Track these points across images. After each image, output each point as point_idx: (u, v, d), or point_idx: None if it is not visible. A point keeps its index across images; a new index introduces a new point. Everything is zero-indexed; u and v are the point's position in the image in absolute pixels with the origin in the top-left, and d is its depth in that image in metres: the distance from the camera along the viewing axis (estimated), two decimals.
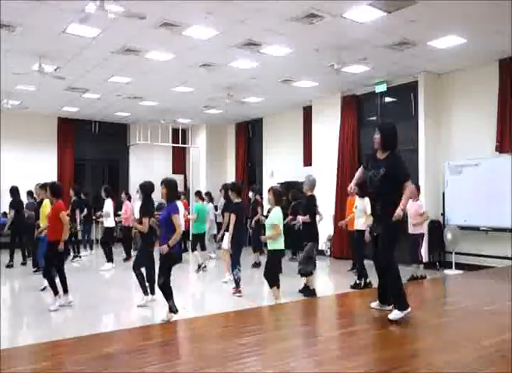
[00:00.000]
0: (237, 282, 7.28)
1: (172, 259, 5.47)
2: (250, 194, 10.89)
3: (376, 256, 4.56)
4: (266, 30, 7.64)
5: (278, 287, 6.07)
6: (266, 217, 7.54)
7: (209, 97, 12.30)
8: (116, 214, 10.74)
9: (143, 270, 6.73)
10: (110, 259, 10.04)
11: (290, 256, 11.00)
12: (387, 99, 11.39)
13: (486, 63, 9.29)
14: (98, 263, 10.41)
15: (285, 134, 14.20)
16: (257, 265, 10.02)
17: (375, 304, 4.76)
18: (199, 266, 9.58)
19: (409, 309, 4.30)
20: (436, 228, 9.94)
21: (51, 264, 6.57)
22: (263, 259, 10.14)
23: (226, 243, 8.07)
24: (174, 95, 12.00)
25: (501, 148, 9.09)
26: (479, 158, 9.36)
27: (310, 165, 12.78)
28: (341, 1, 6.62)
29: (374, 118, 11.57)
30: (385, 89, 10.80)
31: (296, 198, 9.52)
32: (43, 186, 8.27)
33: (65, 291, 6.63)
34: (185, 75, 10.30)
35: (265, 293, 7.44)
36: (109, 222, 10.25)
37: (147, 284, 6.71)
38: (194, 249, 9.80)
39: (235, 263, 7.31)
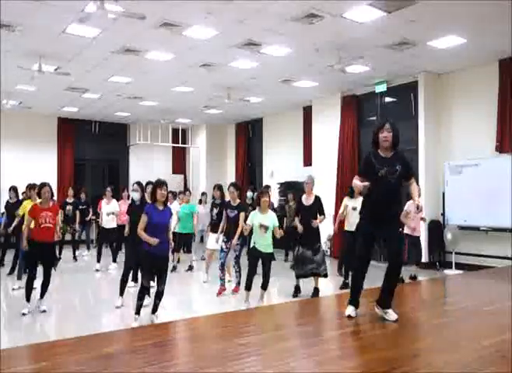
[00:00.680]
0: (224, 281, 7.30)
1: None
2: (249, 194, 10.91)
3: (393, 258, 4.37)
4: (266, 30, 7.64)
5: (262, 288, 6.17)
6: None
7: (209, 97, 12.30)
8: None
9: None
10: (115, 259, 10.10)
11: (284, 257, 11.07)
12: (387, 99, 11.39)
13: (486, 63, 9.29)
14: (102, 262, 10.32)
15: (285, 134, 14.20)
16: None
17: (379, 310, 4.44)
18: (190, 267, 9.64)
19: None
20: (436, 228, 9.94)
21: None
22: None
23: (212, 243, 7.98)
24: (174, 95, 12.00)
25: (501, 148, 9.10)
26: (479, 158, 9.36)
27: (310, 165, 12.78)
28: (341, 1, 6.62)
29: (374, 118, 11.57)
30: (385, 89, 10.80)
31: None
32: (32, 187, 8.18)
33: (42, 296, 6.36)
34: (185, 75, 10.30)
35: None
36: (115, 222, 10.25)
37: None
38: (178, 250, 9.66)
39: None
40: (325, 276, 7.07)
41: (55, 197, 8.51)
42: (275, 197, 13.05)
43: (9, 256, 10.37)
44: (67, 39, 7.91)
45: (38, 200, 6.54)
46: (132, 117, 15.23)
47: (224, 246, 7.26)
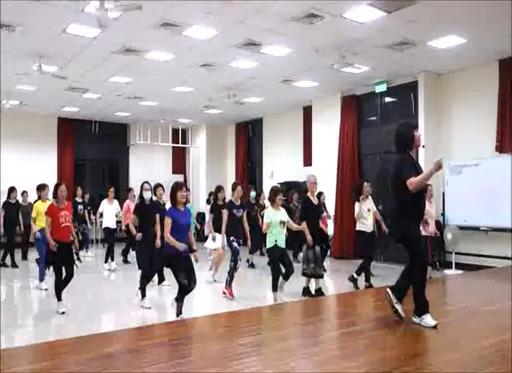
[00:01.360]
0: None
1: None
2: (252, 194, 10.94)
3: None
4: (266, 30, 7.64)
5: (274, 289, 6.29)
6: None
7: (209, 97, 12.30)
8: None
9: None
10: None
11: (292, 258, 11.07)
12: (387, 99, 11.39)
13: (486, 63, 9.29)
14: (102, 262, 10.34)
15: (285, 134, 14.20)
16: (251, 266, 10.11)
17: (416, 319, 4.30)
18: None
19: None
20: (437, 228, 9.91)
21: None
22: (260, 260, 10.27)
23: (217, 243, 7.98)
24: (174, 95, 12.00)
25: (501, 148, 9.09)
26: (479, 158, 9.35)
27: (310, 165, 12.78)
28: (341, 1, 6.61)
29: (374, 118, 11.58)
30: (385, 89, 10.81)
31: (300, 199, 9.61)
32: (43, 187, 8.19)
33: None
34: (185, 75, 10.30)
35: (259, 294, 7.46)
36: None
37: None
38: None
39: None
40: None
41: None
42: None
43: (17, 257, 10.47)
44: (67, 39, 7.91)
45: (52, 200, 6.48)
46: (132, 117, 15.23)
47: (237, 245, 7.19)
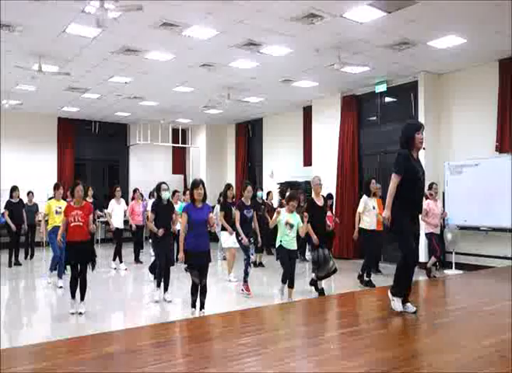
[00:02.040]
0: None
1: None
2: (259, 194, 10.98)
3: (417, 254, 4.73)
4: (266, 30, 7.64)
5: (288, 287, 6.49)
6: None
7: (209, 97, 12.30)
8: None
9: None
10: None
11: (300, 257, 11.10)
12: (387, 99, 11.39)
13: (486, 63, 9.30)
14: (108, 262, 10.34)
15: (285, 134, 14.20)
16: (260, 265, 10.13)
17: (403, 306, 4.60)
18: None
19: None
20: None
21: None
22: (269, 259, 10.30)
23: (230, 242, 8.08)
24: (174, 95, 12.00)
25: (501, 148, 9.09)
26: (479, 158, 9.35)
27: (310, 165, 12.77)
28: (341, 1, 6.61)
29: (374, 118, 11.58)
30: (385, 89, 10.80)
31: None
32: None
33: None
34: (185, 75, 10.30)
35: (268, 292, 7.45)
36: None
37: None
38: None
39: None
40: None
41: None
42: (275, 197, 13.05)
43: (20, 257, 10.52)
44: (67, 39, 7.91)
45: (66, 200, 6.62)
46: (132, 117, 15.23)
47: (248, 243, 7.35)
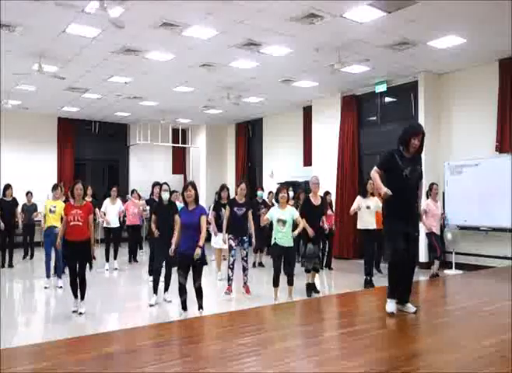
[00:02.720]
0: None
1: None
2: (259, 193, 10.98)
3: (414, 256, 4.72)
4: (266, 30, 7.64)
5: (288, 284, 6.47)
6: None
7: (209, 97, 12.30)
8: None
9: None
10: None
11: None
12: (387, 99, 11.39)
13: (486, 63, 9.30)
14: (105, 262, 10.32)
15: (285, 134, 14.20)
16: (260, 265, 10.13)
17: (397, 306, 4.62)
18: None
19: None
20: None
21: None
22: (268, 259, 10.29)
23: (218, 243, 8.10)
24: (174, 95, 12.00)
25: (501, 148, 9.10)
26: (479, 158, 9.36)
27: (310, 165, 12.78)
28: (341, 1, 6.62)
29: (374, 118, 11.58)
30: (385, 89, 10.81)
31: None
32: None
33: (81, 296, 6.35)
34: (185, 75, 10.30)
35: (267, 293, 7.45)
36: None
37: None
38: None
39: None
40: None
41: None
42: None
43: (19, 257, 10.50)
44: (67, 39, 7.91)
45: (68, 200, 6.60)
46: (132, 117, 15.23)
47: (233, 243, 7.15)
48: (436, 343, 3.77)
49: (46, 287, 7.89)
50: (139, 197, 10.84)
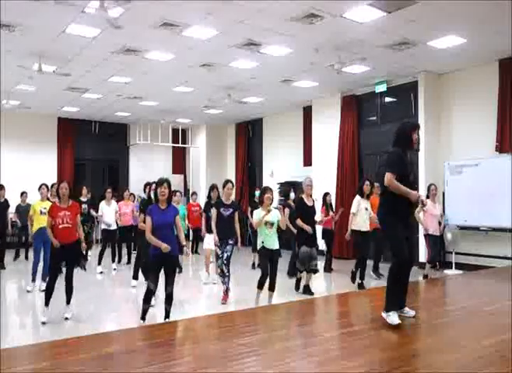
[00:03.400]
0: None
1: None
2: (257, 193, 10.94)
3: (412, 261, 4.47)
4: (266, 30, 7.64)
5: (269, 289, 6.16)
6: None
7: (209, 97, 12.30)
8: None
9: None
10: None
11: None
12: (387, 99, 11.40)
13: (486, 63, 9.30)
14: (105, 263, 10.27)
15: (285, 134, 14.20)
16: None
17: (401, 311, 4.39)
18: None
19: None
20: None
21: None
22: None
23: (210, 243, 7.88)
24: (174, 95, 12.00)
25: (501, 148, 9.10)
26: (479, 158, 9.36)
27: (310, 165, 12.78)
28: (341, 1, 6.62)
29: (374, 118, 11.58)
30: (385, 89, 10.81)
31: None
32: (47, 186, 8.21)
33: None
34: (185, 75, 10.30)
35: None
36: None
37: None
38: None
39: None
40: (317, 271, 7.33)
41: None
42: (275, 197, 13.02)
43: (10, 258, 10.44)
44: (67, 39, 7.91)
45: (46, 201, 6.41)
46: (132, 117, 15.23)
47: (219, 251, 6.84)
48: (436, 343, 3.77)
49: (28, 291, 7.60)
50: (134, 197, 10.72)
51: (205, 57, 9.04)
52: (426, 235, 8.20)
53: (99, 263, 9.62)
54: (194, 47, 8.43)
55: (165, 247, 5.00)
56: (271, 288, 6.14)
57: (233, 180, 15.64)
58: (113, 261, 9.86)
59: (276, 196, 13.57)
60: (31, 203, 10.69)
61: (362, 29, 7.56)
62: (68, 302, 5.99)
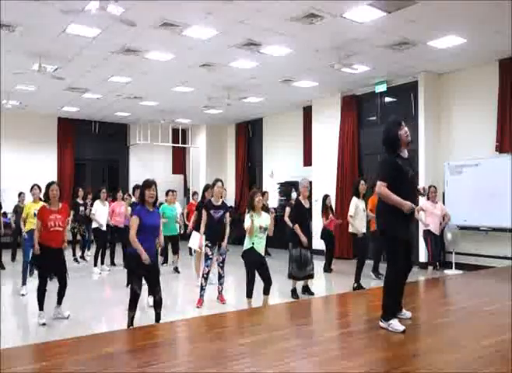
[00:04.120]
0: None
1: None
2: None
3: (411, 265, 4.37)
4: (266, 30, 7.64)
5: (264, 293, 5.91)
6: None
7: (209, 97, 12.30)
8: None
9: None
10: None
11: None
12: (387, 99, 11.40)
13: (486, 63, 9.30)
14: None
15: (285, 134, 14.20)
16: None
17: (398, 313, 4.32)
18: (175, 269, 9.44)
19: None
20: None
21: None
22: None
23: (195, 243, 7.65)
24: (174, 95, 12.00)
25: (501, 148, 9.10)
26: (479, 158, 9.36)
27: (310, 165, 12.78)
28: (341, 1, 6.62)
29: (374, 118, 11.58)
30: (385, 89, 10.81)
31: None
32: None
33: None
34: (185, 75, 10.30)
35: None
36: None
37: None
38: (162, 253, 9.36)
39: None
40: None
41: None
42: (275, 197, 13.04)
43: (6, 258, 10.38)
44: (67, 39, 7.91)
45: (39, 202, 6.25)
46: (132, 117, 15.24)
47: (209, 252, 6.54)
48: (436, 343, 3.77)
49: (23, 295, 7.36)
50: (130, 197, 10.65)
51: (204, 57, 9.04)
52: (428, 232, 8.11)
53: (95, 265, 9.62)
54: (194, 47, 8.44)
55: (145, 258, 4.82)
56: (267, 291, 5.87)
57: (233, 180, 15.77)
58: (102, 263, 9.75)
59: (276, 197, 13.67)
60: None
61: (362, 29, 7.56)
62: (59, 303, 5.88)
